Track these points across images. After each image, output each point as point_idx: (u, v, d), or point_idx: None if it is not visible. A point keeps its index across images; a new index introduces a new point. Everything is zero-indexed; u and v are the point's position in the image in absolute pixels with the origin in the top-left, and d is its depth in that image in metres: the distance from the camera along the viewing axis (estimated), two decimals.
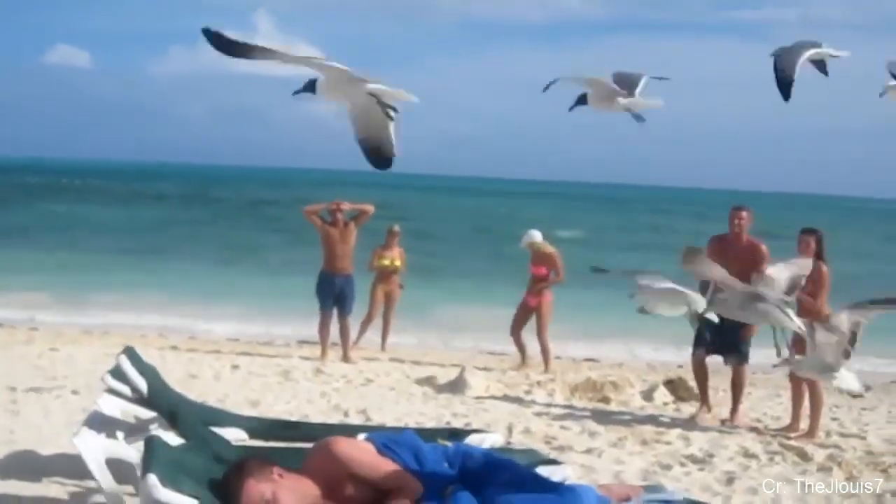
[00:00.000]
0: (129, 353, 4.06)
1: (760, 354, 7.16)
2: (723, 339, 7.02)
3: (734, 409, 7.22)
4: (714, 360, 7.44)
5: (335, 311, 9.79)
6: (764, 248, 7.14)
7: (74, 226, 30.26)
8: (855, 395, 6.58)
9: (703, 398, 7.36)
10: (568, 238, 31.78)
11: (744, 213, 7.21)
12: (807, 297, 6.52)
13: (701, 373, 7.34)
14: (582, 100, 4.55)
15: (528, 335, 9.95)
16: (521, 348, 9.99)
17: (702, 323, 6.77)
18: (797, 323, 5.55)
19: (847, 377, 5.91)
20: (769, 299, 5.52)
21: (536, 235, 9.88)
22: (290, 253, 22.31)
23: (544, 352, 9.82)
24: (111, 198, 46.41)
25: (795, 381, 6.94)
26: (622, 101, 4.46)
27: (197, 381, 7.75)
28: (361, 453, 3.29)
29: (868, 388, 6.89)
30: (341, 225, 9.78)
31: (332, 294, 9.73)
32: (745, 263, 6.66)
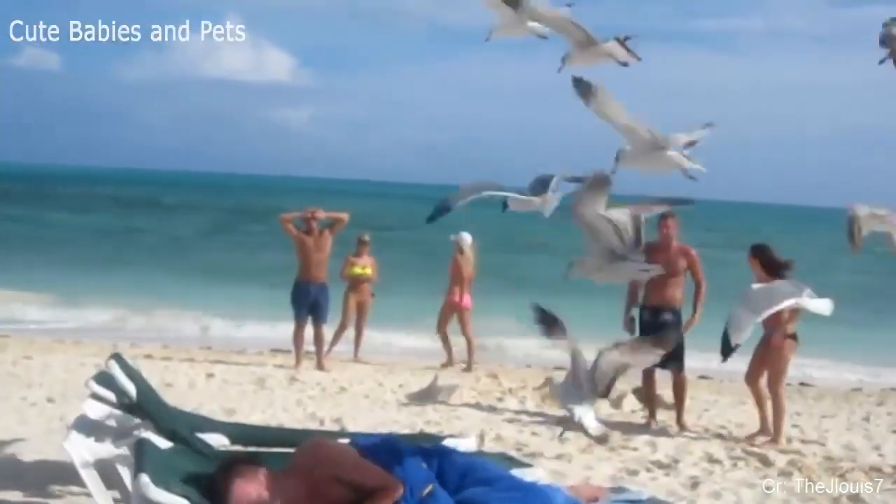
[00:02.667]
0: (118, 358, 4.16)
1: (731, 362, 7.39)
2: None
3: (679, 415, 7.45)
4: (690, 372, 7.66)
5: (309, 320, 9.89)
6: (693, 252, 7.45)
7: (40, 232, 29.98)
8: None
9: (651, 410, 7.58)
10: (539, 244, 32.08)
11: (670, 221, 7.48)
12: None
13: (649, 385, 7.58)
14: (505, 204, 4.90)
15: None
16: (449, 346, 10.70)
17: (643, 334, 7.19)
18: (654, 269, 5.25)
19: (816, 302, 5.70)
20: (627, 256, 5.25)
21: (468, 238, 10.60)
22: (261, 260, 22.33)
23: (472, 348, 10.63)
24: (77, 204, 45.92)
25: (755, 388, 7.17)
26: (536, 200, 4.81)
27: (172, 390, 7.80)
28: (344, 454, 3.42)
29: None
30: (316, 233, 9.88)
31: (307, 302, 9.82)
32: (675, 268, 7.20)
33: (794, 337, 7.03)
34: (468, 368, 10.36)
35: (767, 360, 7.07)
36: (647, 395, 7.66)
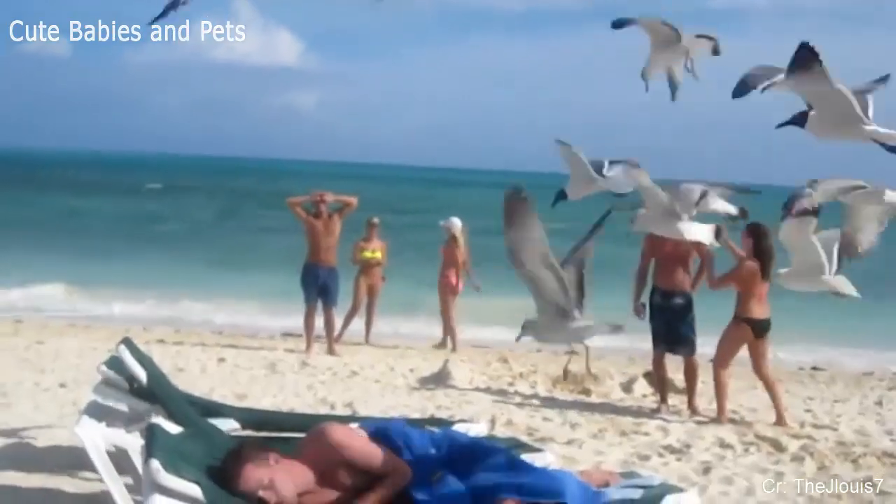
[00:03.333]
0: (128, 343, 4.17)
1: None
2: (674, 331, 7.36)
3: (690, 399, 7.45)
4: (702, 357, 7.63)
5: (320, 304, 9.90)
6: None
7: (53, 217, 30.10)
8: (848, 298, 6.37)
9: (662, 394, 7.58)
10: (556, 230, 31.97)
11: None
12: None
13: (660, 369, 7.57)
14: (562, 195, 5.18)
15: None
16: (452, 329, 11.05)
17: (656, 320, 7.38)
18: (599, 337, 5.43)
19: (840, 280, 5.78)
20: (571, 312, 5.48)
21: (457, 223, 10.90)
22: (271, 244, 22.36)
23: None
24: (89, 189, 46.06)
25: (717, 373, 7.15)
26: (601, 182, 5.08)
27: (184, 375, 7.83)
28: (354, 439, 3.42)
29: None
30: (325, 217, 9.88)
31: (316, 286, 9.83)
32: (684, 252, 7.26)
33: (751, 323, 6.98)
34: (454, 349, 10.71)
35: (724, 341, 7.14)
36: (658, 379, 7.64)
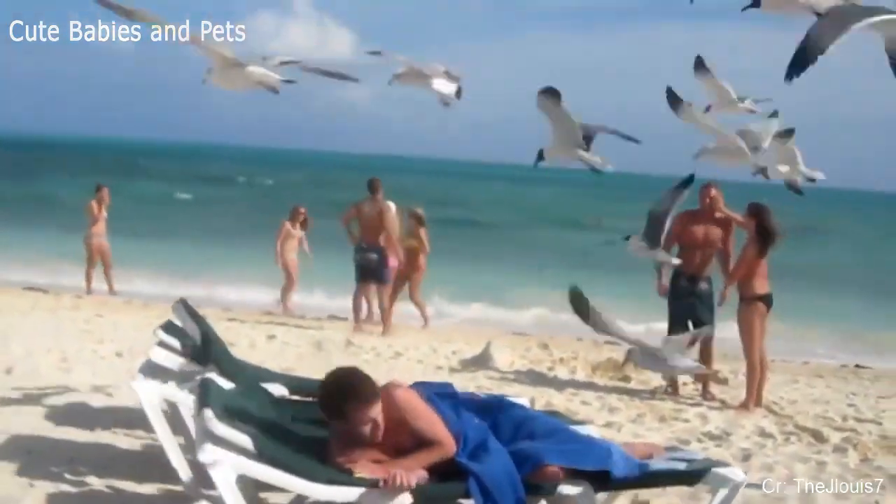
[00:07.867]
0: (184, 303, 4.33)
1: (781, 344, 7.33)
2: (700, 317, 7.42)
3: (706, 385, 7.54)
4: (734, 347, 7.63)
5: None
6: (733, 223, 7.45)
7: (119, 203, 30.65)
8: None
9: (674, 380, 7.60)
10: (596, 225, 31.85)
11: (712, 191, 7.44)
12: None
13: None
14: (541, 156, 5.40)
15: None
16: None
17: (680, 305, 7.47)
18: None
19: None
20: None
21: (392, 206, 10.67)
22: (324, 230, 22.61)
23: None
24: (148, 176, 46.89)
25: (752, 360, 7.15)
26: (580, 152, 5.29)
27: (234, 350, 8.00)
28: (417, 403, 3.45)
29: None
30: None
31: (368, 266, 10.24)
32: (711, 237, 7.41)
33: (762, 299, 7.05)
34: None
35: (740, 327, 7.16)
36: None
